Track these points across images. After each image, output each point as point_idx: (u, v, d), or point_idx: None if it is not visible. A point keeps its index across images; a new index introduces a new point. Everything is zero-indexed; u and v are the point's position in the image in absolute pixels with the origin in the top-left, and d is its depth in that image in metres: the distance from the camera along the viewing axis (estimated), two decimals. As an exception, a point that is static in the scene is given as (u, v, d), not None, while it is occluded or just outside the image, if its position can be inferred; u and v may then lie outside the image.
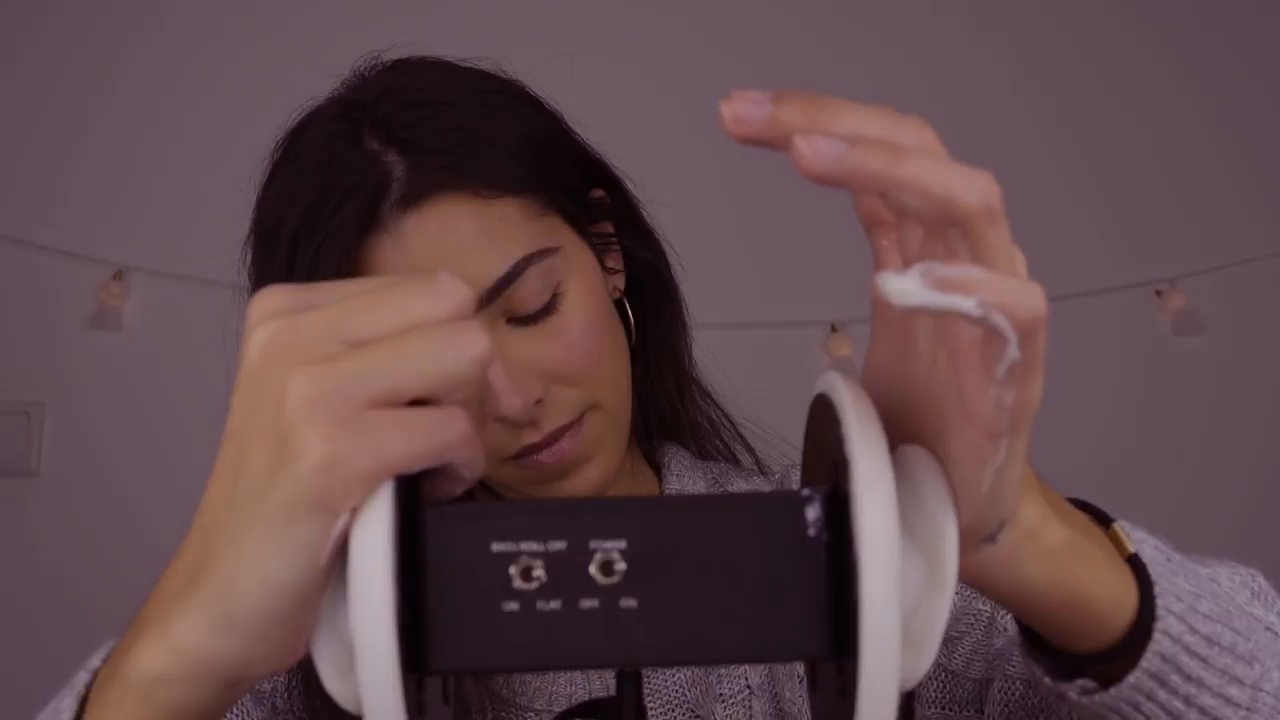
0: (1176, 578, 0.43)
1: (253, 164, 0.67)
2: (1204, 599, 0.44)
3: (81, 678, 0.42)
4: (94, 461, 1.81)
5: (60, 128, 1.87)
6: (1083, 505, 0.46)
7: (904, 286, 0.31)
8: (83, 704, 0.40)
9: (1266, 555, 2.01)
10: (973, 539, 0.36)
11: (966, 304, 0.31)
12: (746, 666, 0.68)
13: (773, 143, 0.31)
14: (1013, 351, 0.32)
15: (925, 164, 0.31)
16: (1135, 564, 0.42)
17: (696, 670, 0.68)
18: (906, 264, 0.35)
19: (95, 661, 0.43)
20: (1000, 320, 0.31)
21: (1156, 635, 0.41)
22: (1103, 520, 0.45)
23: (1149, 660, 0.41)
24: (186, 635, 0.35)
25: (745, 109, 0.31)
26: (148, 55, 1.89)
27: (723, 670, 0.68)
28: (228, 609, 0.34)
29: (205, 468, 0.36)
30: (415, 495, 0.35)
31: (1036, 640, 0.44)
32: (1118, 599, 0.41)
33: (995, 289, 0.31)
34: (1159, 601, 0.42)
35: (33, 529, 1.79)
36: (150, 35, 1.89)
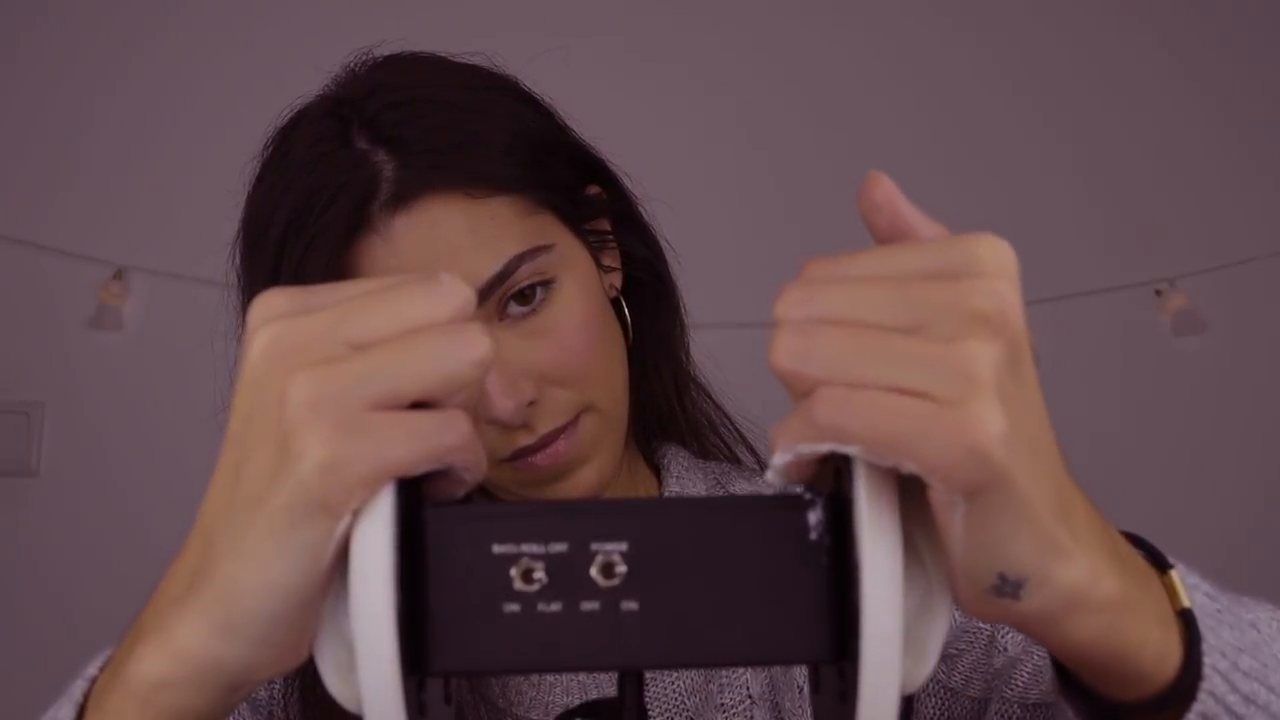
0: (1222, 629, 0.42)
1: (253, 163, 0.67)
2: (1245, 654, 0.43)
3: (79, 685, 0.42)
4: (94, 462, 1.81)
5: (60, 127, 1.87)
6: (1137, 541, 0.44)
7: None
8: (81, 711, 0.40)
9: (1266, 555, 2.01)
10: (972, 589, 0.34)
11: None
12: (748, 676, 0.68)
13: None
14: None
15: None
16: (1185, 616, 0.41)
17: (697, 679, 0.67)
18: None
19: (92, 669, 0.42)
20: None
21: (1201, 695, 0.40)
22: (1158, 562, 0.43)
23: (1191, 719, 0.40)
24: (187, 639, 0.35)
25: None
26: (147, 54, 1.88)
27: (724, 679, 0.68)
28: (229, 612, 0.34)
29: (205, 469, 0.36)
30: (417, 496, 0.35)
31: (1070, 680, 0.43)
32: (1163, 655, 0.39)
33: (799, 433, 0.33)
34: (1205, 659, 0.40)
35: (32, 529, 1.79)
36: (150, 34, 1.89)
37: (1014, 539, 0.33)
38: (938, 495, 0.32)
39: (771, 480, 0.34)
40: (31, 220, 1.84)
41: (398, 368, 0.33)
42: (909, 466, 0.31)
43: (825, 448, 0.32)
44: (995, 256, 0.33)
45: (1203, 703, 0.40)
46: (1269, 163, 1.94)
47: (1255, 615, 0.47)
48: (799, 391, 0.33)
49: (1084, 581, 0.35)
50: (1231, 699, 0.41)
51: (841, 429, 0.31)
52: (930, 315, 0.32)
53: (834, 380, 0.32)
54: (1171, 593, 0.41)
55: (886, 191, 0.36)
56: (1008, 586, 0.34)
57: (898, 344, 0.32)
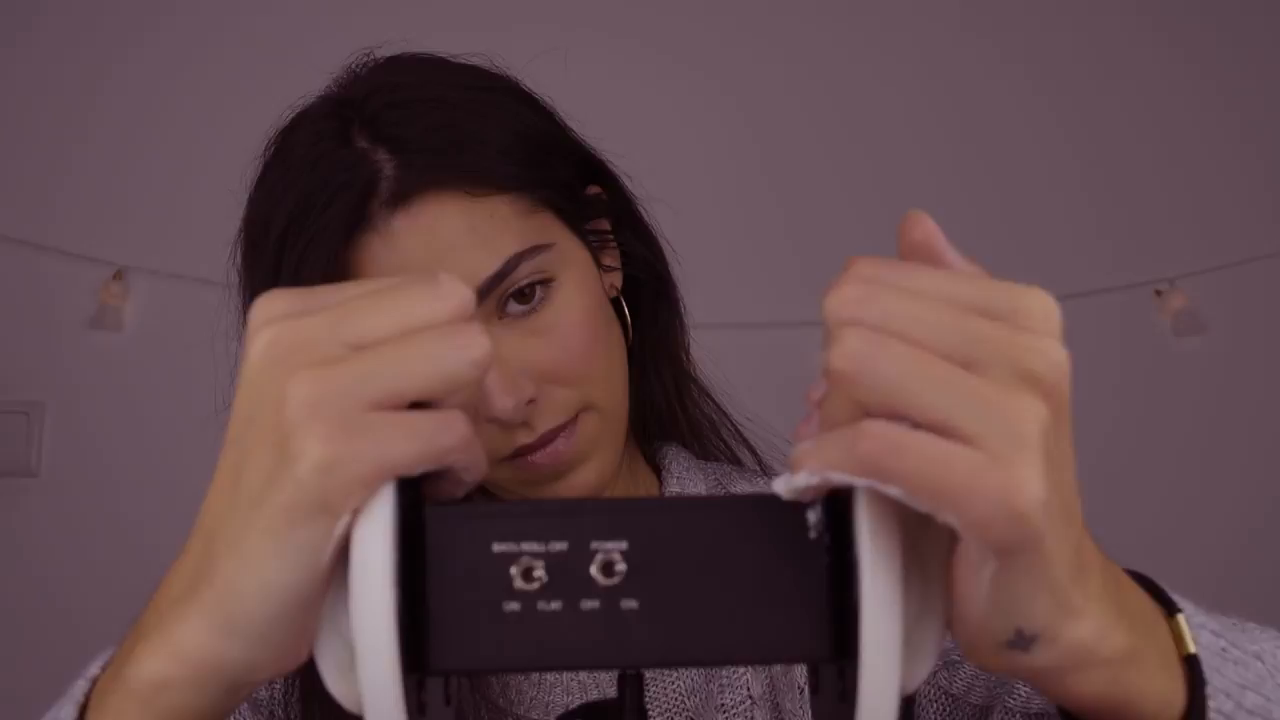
0: (1227, 667, 0.42)
1: (254, 163, 0.67)
2: (1249, 691, 0.43)
3: (80, 686, 0.42)
4: (94, 462, 1.81)
5: (61, 127, 1.87)
6: (1143, 580, 0.43)
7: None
8: (82, 712, 0.40)
9: (1267, 556, 2.01)
10: (988, 641, 0.35)
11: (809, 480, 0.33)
12: (748, 676, 0.68)
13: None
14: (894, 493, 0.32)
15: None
16: (1190, 661, 0.41)
17: (697, 679, 0.67)
18: None
19: (94, 669, 0.42)
20: (836, 477, 0.32)
21: None
22: (1164, 602, 0.43)
23: None
24: (188, 640, 0.35)
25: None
26: (147, 53, 1.88)
27: (724, 679, 0.68)
28: (229, 613, 0.34)
29: (205, 469, 0.36)
30: (417, 496, 0.35)
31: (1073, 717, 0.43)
32: (1166, 702, 0.39)
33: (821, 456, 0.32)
34: (1210, 702, 0.40)
35: (32, 529, 1.79)
36: (150, 33, 1.89)
37: (1033, 598, 0.33)
38: (968, 550, 0.32)
39: (782, 494, 0.34)
40: (31, 220, 1.83)
41: (397, 368, 0.33)
42: (947, 518, 0.31)
43: (861, 482, 0.31)
44: (1044, 312, 0.33)
45: None
46: (1269, 163, 1.94)
47: (1260, 646, 0.47)
48: (845, 394, 0.32)
49: (1091, 640, 0.35)
50: None
51: (886, 470, 0.31)
52: (986, 356, 0.32)
53: (892, 401, 0.31)
54: (1178, 638, 0.41)
55: (926, 231, 0.35)
56: (1022, 641, 0.34)
57: (959, 380, 0.31)
